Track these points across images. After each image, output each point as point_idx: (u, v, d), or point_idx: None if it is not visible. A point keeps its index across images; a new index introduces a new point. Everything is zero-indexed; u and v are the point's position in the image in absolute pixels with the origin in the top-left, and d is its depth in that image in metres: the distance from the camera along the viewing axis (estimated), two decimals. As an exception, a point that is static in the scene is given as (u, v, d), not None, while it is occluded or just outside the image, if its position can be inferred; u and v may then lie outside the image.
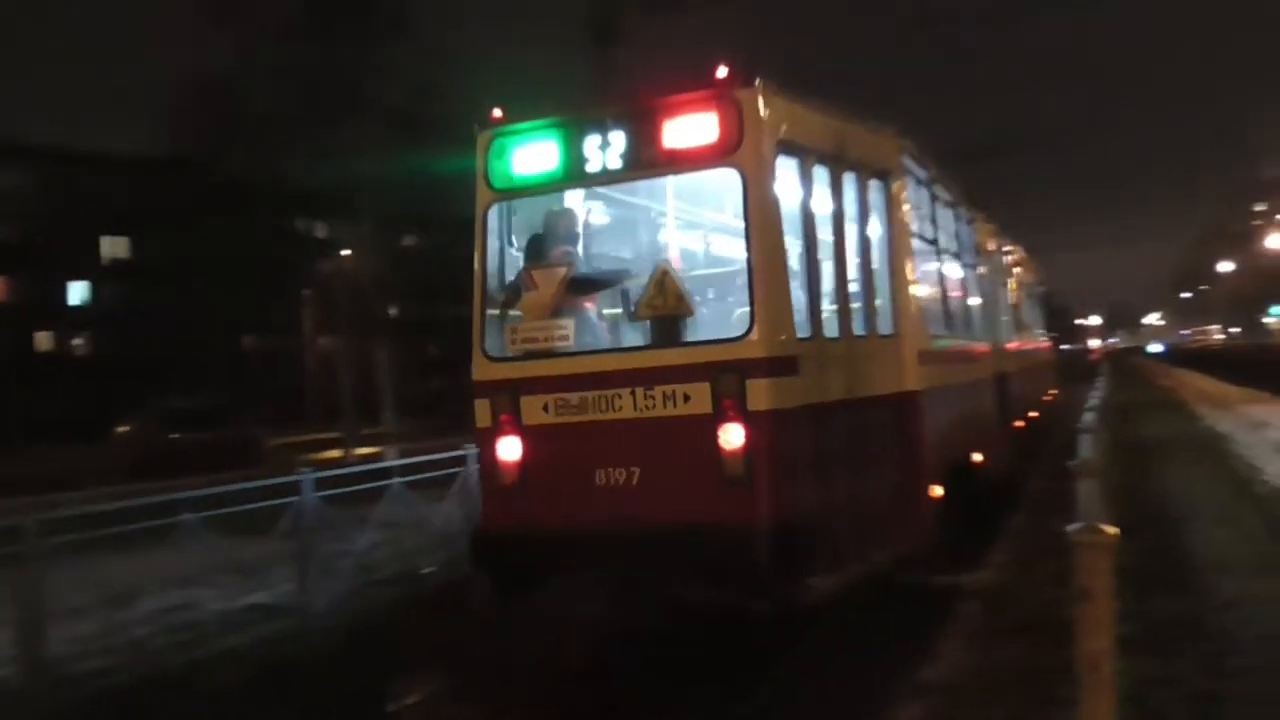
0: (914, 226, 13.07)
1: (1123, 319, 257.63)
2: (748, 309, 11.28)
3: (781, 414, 11.27)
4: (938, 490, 13.63)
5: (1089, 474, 9.08)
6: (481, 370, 11.79)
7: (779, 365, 11.08)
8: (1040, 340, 29.83)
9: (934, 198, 14.24)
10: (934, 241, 14.17)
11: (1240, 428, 18.82)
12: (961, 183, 16.82)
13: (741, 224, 11.41)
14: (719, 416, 11.38)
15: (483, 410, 12.02)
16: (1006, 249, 22.66)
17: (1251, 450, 17.37)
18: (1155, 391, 33.03)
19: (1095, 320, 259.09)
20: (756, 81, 11.32)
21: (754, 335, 11.15)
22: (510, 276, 12.61)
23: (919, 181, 13.35)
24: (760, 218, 11.27)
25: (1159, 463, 17.54)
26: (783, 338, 11.11)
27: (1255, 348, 60.42)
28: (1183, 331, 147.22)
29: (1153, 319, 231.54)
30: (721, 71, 11.29)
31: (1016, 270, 24.65)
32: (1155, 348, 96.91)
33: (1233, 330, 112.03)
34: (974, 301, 17.98)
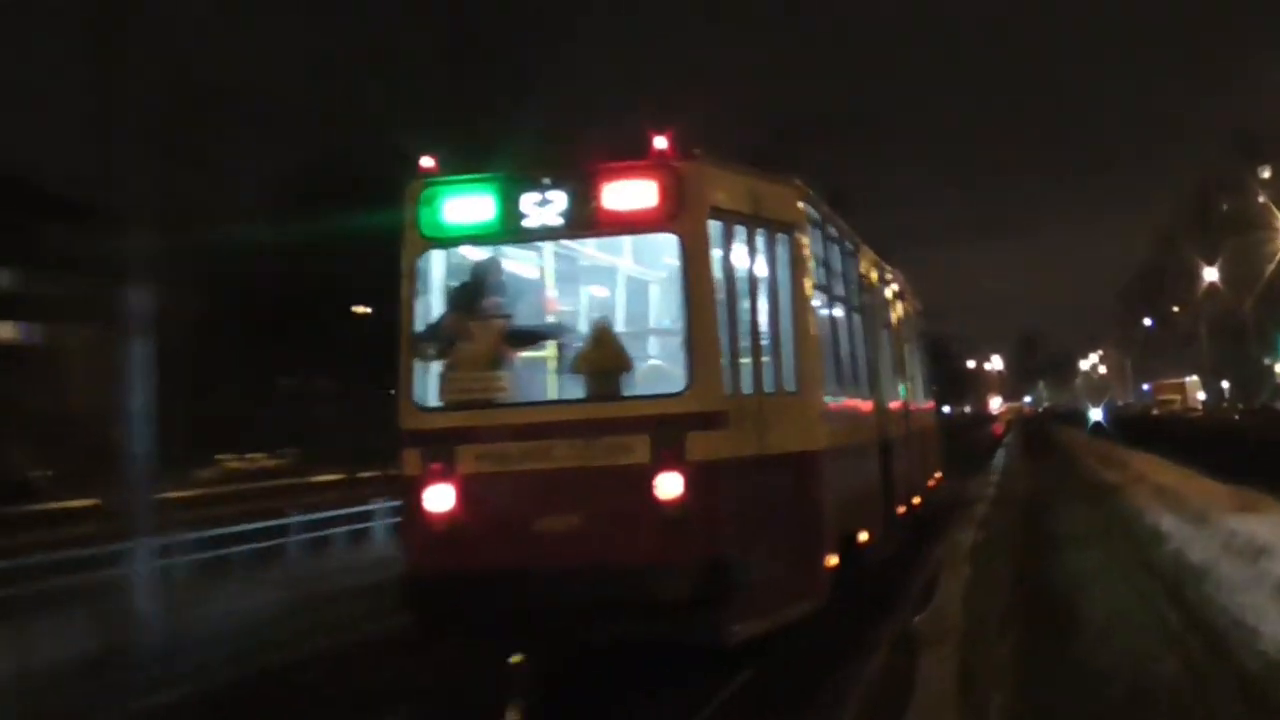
0: (814, 278, 13.37)
1: (1047, 363, 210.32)
2: (684, 365, 11.58)
3: (715, 465, 11.41)
4: (833, 559, 13.23)
5: (939, 649, 5.25)
6: (412, 420, 11.77)
7: (714, 419, 11.36)
8: (924, 401, 25.55)
9: (827, 239, 14.24)
10: (827, 288, 14.04)
11: (1226, 556, 15.79)
12: (844, 219, 16.79)
13: (677, 284, 11.83)
14: (657, 466, 11.44)
15: (413, 459, 11.89)
16: (887, 278, 20.04)
17: (1241, 596, 12.63)
18: (1087, 488, 30.31)
19: (996, 364, 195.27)
20: (695, 152, 11.75)
21: (692, 390, 11.38)
22: (440, 328, 12.58)
23: (815, 226, 13.56)
24: (697, 280, 11.56)
25: (1081, 623, 12.45)
26: (717, 393, 11.45)
27: (1261, 418, 53.48)
28: (1142, 387, 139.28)
29: (1092, 363, 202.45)
30: (661, 142, 11.61)
31: (898, 305, 21.16)
32: (1095, 413, 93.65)
33: (1224, 384, 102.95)
34: (859, 352, 16.95)
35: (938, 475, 26.09)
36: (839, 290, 14.87)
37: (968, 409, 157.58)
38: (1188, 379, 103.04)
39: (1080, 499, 26.29)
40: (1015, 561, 14.32)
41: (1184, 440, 44.07)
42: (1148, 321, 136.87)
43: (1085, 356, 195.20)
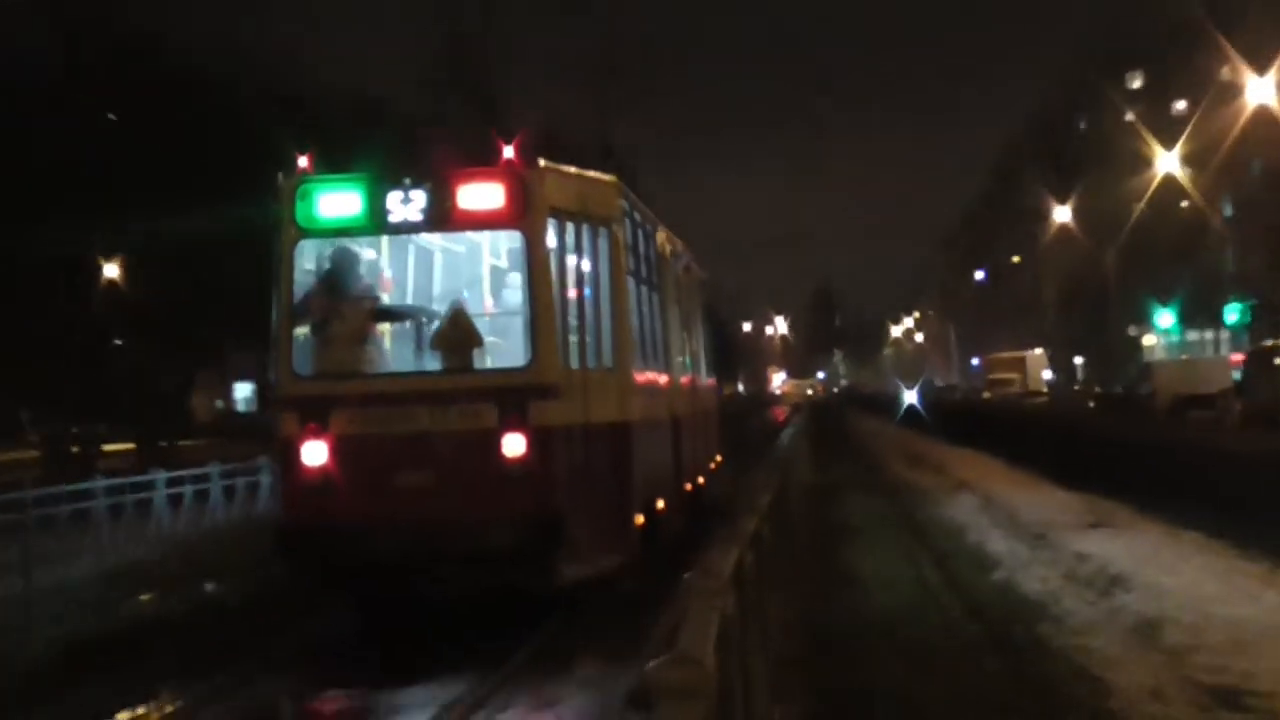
0: (627, 266, 15.75)
1: (849, 330, 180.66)
2: (526, 343, 14.16)
3: (552, 429, 13.95)
4: (640, 518, 15.70)
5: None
6: (291, 386, 14.25)
7: (551, 390, 13.93)
8: (707, 377, 25.99)
9: (634, 226, 16.59)
10: (635, 273, 16.51)
11: (1070, 586, 13.83)
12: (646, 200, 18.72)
13: (520, 274, 14.52)
14: (503, 429, 13.86)
15: (290, 421, 14.18)
16: (678, 252, 21.73)
17: (1087, 639, 10.92)
18: (890, 498, 26.69)
19: (778, 327, 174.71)
20: (540, 162, 14.38)
21: (533, 365, 14.00)
22: (314, 307, 14.68)
23: (627, 216, 16.02)
24: (538, 271, 14.18)
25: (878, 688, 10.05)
26: (554, 368, 14.01)
27: (1121, 406, 48.40)
28: (972, 362, 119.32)
29: (906, 328, 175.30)
30: (509, 151, 14.18)
31: (684, 279, 22.53)
32: (909, 396, 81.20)
33: (1077, 361, 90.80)
34: (658, 330, 18.43)
35: (718, 458, 26.83)
36: (643, 273, 17.12)
37: (740, 387, 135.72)
38: (1030, 353, 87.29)
39: (880, 513, 23.64)
40: (793, 596, 13.02)
41: (1022, 435, 38.20)
42: (979, 275, 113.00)
43: (898, 321, 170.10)
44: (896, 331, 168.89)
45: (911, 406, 72.12)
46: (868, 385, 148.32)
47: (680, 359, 20.19)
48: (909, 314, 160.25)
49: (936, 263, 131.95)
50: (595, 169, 16.42)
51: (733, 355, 39.17)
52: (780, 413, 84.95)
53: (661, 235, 19.22)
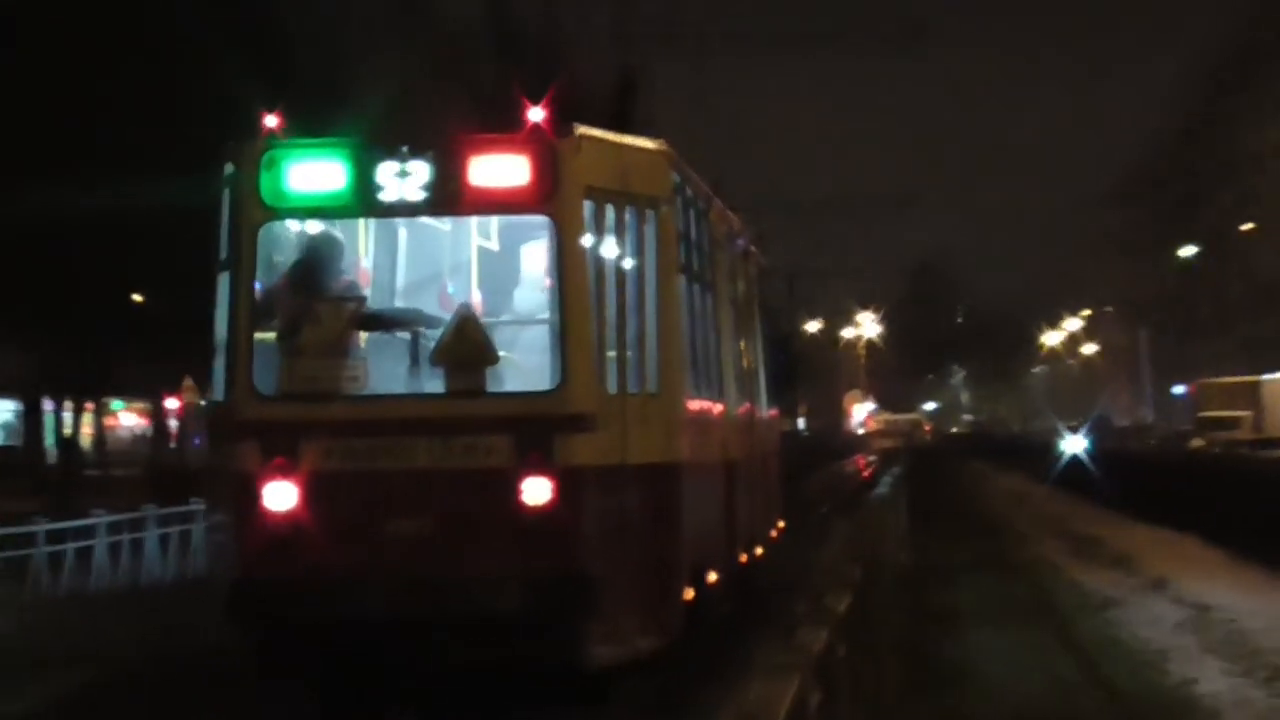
0: (679, 259, 15.36)
1: (973, 334, 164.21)
2: (554, 360, 13.59)
3: (584, 471, 13.52)
4: (690, 592, 15.16)
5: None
6: (250, 409, 13.66)
7: (584, 421, 13.47)
8: (765, 407, 24.67)
9: (686, 205, 16.14)
10: (688, 267, 16.10)
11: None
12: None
13: (548, 271, 13.91)
14: (522, 469, 13.34)
15: (250, 453, 13.67)
16: (733, 232, 20.72)
17: None
18: (1049, 626, 20.93)
19: (864, 328, 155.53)
20: (575, 131, 13.65)
21: (564, 388, 13.47)
22: (282, 308, 14.06)
23: (678, 192, 15.60)
24: (571, 267, 13.53)
25: None
26: (589, 392, 13.54)
27: None
28: (1175, 390, 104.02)
29: (1071, 334, 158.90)
30: (536, 114, 13.41)
31: (744, 271, 21.84)
32: (1072, 443, 68.54)
33: None
34: (713, 343, 17.92)
35: (780, 524, 25.91)
36: (696, 267, 16.62)
37: (800, 423, 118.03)
38: (1269, 379, 75.43)
39: (1020, 637, 19.62)
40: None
41: (1253, 503, 31.52)
42: (1189, 250, 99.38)
43: (1054, 325, 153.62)
44: (1052, 340, 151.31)
45: (1075, 458, 62.22)
46: (1004, 424, 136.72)
47: (736, 382, 19.92)
48: (1072, 314, 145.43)
49: (1107, 237, 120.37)
50: (607, 112, 16.25)
51: (793, 374, 32.51)
52: (863, 462, 79.59)
53: (715, 214, 18.46)
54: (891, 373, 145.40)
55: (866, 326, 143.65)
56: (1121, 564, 28.53)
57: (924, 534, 31.92)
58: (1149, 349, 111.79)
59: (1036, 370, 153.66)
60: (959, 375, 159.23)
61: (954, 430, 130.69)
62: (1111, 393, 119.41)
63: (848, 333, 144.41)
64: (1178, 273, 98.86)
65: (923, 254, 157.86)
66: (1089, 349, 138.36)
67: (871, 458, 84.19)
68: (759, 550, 21.16)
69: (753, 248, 22.66)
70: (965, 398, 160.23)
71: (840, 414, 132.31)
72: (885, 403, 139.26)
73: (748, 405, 20.91)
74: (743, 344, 20.91)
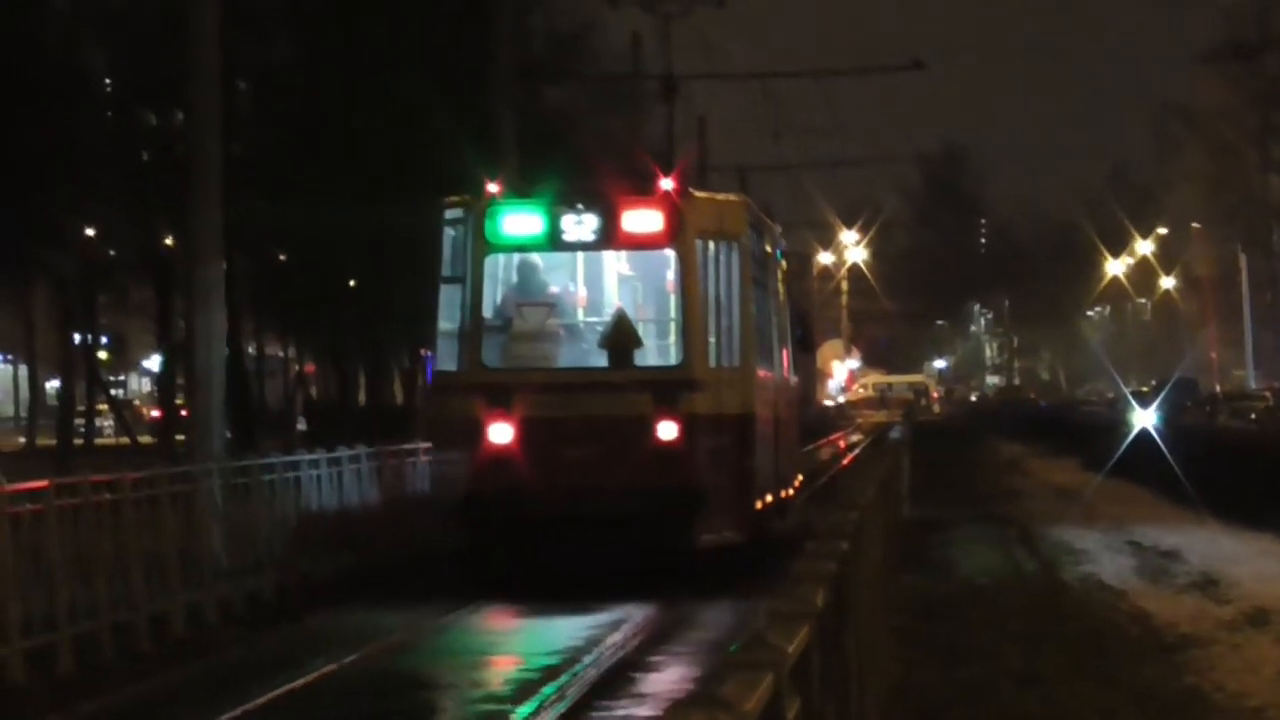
0: (751, 274, 25.21)
1: (1010, 264, 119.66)
2: (677, 345, 23.85)
3: (697, 417, 23.32)
4: (758, 504, 24.83)
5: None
6: (480, 375, 23.51)
7: (698, 384, 23.52)
8: (793, 375, 34.08)
9: (754, 236, 26.24)
10: (755, 278, 26.01)
11: None
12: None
13: (673, 287, 23.83)
14: (657, 416, 23.04)
15: (479, 404, 23.16)
16: (778, 244, 32.00)
17: None
18: None
19: (844, 253, 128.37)
20: (693, 193, 24.72)
21: (684, 363, 23.72)
22: (499, 311, 23.92)
23: (751, 228, 26.05)
24: (689, 284, 23.67)
25: None
26: (702, 366, 23.74)
27: None
28: None
29: (1143, 257, 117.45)
30: (667, 183, 23.59)
31: (779, 272, 31.33)
32: (1142, 416, 55.70)
33: None
34: (769, 331, 27.60)
35: (800, 477, 35.42)
36: (759, 275, 26.76)
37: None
38: None
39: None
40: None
41: None
42: None
43: (1118, 250, 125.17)
44: (1115, 269, 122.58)
45: (1145, 435, 52.48)
46: (1048, 388, 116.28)
47: (778, 356, 30.85)
48: (1141, 235, 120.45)
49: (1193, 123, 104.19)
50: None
51: (809, 345, 41.09)
52: (843, 444, 73.50)
53: (767, 234, 30.75)
54: (886, 317, 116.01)
55: (850, 247, 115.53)
56: (1210, 593, 23.94)
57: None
58: (1252, 283, 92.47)
59: (1092, 313, 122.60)
60: (982, 320, 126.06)
61: (974, 397, 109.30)
62: (1197, 347, 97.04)
63: (825, 258, 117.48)
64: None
65: (933, 149, 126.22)
66: (1166, 283, 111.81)
67: (855, 438, 76.12)
68: (787, 492, 30.65)
69: (784, 248, 35.25)
70: (990, 352, 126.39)
71: (811, 375, 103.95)
72: (876, 359, 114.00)
73: (785, 374, 31.58)
74: (780, 326, 31.39)
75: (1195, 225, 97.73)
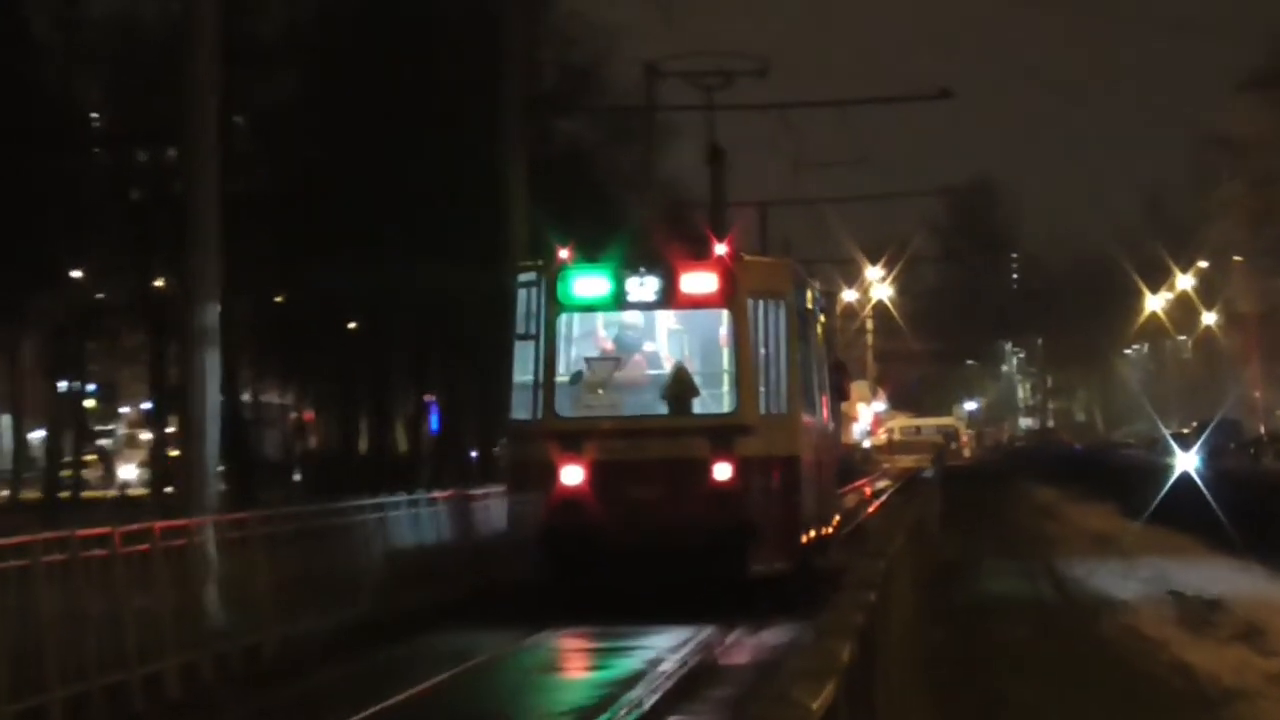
0: (796, 329, 33.82)
1: (1048, 304, 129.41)
2: (731, 394, 32.11)
3: (750, 459, 32.03)
4: (805, 537, 34.20)
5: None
6: (554, 424, 31.80)
7: (750, 429, 32.27)
8: (833, 420, 45.18)
9: (798, 294, 35.47)
10: (799, 331, 34.56)
11: None
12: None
13: (727, 342, 32.22)
14: (714, 458, 31.51)
15: (553, 449, 31.25)
16: (818, 297, 41.96)
17: None
18: None
19: (870, 288, 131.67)
20: (743, 257, 33.28)
21: (738, 410, 32.07)
22: (570, 365, 32.57)
23: (795, 286, 35.27)
24: (742, 340, 32.24)
25: None
26: (753, 412, 32.41)
27: None
28: None
29: (1182, 293, 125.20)
30: (720, 249, 31.95)
31: (819, 321, 40.84)
32: (1184, 459, 59.79)
33: None
34: (812, 380, 35.95)
35: (837, 518, 45.24)
36: (802, 330, 35.46)
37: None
38: None
39: None
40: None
41: None
42: None
43: (1156, 285, 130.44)
44: (1153, 304, 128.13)
45: (1186, 479, 55.51)
46: (1084, 430, 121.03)
47: (819, 403, 39.69)
48: (1181, 269, 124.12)
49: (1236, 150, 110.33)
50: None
51: (845, 393, 46.46)
52: (869, 491, 78.89)
53: (810, 290, 39.62)
54: (913, 357, 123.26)
55: (876, 288, 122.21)
56: (1253, 640, 26.77)
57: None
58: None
59: (1130, 352, 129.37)
60: (1014, 359, 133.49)
61: (1008, 438, 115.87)
62: (1241, 385, 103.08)
63: (849, 295, 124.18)
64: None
65: (961, 182, 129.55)
66: (1207, 319, 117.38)
67: (881, 485, 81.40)
68: (826, 531, 38.95)
69: (823, 301, 44.55)
70: (1023, 393, 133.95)
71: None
72: (903, 401, 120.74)
73: (825, 420, 40.17)
74: (820, 375, 39.76)
75: (1237, 259, 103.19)
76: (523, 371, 31.28)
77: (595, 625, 30.53)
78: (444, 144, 62.68)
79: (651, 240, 34.06)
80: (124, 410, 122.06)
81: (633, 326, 31.47)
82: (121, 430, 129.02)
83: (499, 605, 32.63)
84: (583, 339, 31.27)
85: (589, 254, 30.94)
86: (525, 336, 31.05)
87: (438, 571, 35.03)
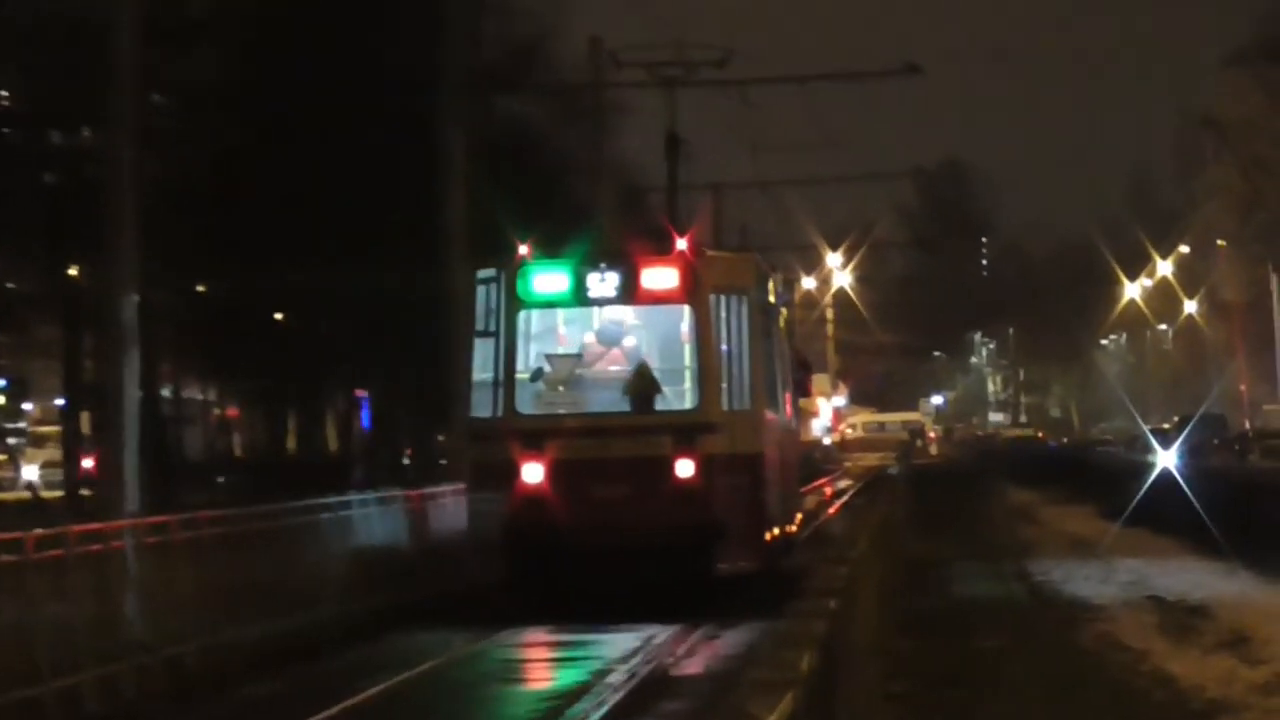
0: (758, 324, 36.08)
1: (1015, 288, 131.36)
2: (694, 391, 33.56)
3: (713, 456, 33.43)
4: (770, 535, 36.63)
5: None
6: (514, 421, 33.37)
7: (713, 426, 33.72)
8: (795, 418, 46.35)
9: (760, 289, 37.63)
10: (761, 327, 36.41)
11: None
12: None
13: (689, 338, 33.70)
14: (676, 455, 32.93)
15: (514, 448, 32.71)
16: (779, 291, 43.83)
17: None
18: None
19: (831, 275, 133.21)
20: (705, 251, 35.36)
21: (700, 407, 33.61)
22: (530, 362, 33.93)
23: (758, 282, 37.15)
24: (704, 336, 33.78)
25: None
26: (716, 409, 33.91)
27: None
28: None
29: (1159, 280, 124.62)
30: (682, 244, 33.54)
31: (782, 316, 45.56)
32: (1163, 456, 60.05)
33: None
34: (773, 373, 38.11)
35: (799, 516, 47.54)
36: (765, 325, 37.18)
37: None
38: None
39: None
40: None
41: None
42: None
43: (1134, 272, 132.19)
44: (1130, 291, 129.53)
45: (1167, 478, 56.53)
46: (1059, 426, 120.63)
47: (782, 400, 40.82)
48: (1160, 254, 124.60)
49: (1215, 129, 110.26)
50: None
51: (807, 389, 48.66)
52: (829, 491, 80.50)
53: (772, 284, 40.71)
54: (877, 349, 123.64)
55: (837, 275, 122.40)
56: (1238, 650, 25.97)
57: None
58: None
59: (1107, 342, 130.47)
60: (984, 351, 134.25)
61: (980, 433, 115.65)
62: (1226, 377, 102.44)
63: (808, 283, 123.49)
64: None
65: (931, 164, 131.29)
66: (1189, 307, 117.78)
67: (842, 484, 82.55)
68: (789, 529, 40.67)
69: (784, 292, 48.54)
70: (993, 386, 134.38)
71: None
72: (866, 396, 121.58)
73: (788, 416, 41.57)
74: (783, 371, 41.75)
75: (1221, 243, 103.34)
76: (483, 369, 33.00)
77: (553, 625, 31.26)
78: (378, 126, 62.08)
79: (612, 235, 34.88)
80: (27, 407, 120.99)
81: (594, 323, 33.07)
82: (27, 428, 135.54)
83: (460, 607, 33.44)
84: (543, 336, 32.93)
85: (549, 250, 31.99)
86: (485, 334, 32.72)
87: (387, 575, 35.19)
